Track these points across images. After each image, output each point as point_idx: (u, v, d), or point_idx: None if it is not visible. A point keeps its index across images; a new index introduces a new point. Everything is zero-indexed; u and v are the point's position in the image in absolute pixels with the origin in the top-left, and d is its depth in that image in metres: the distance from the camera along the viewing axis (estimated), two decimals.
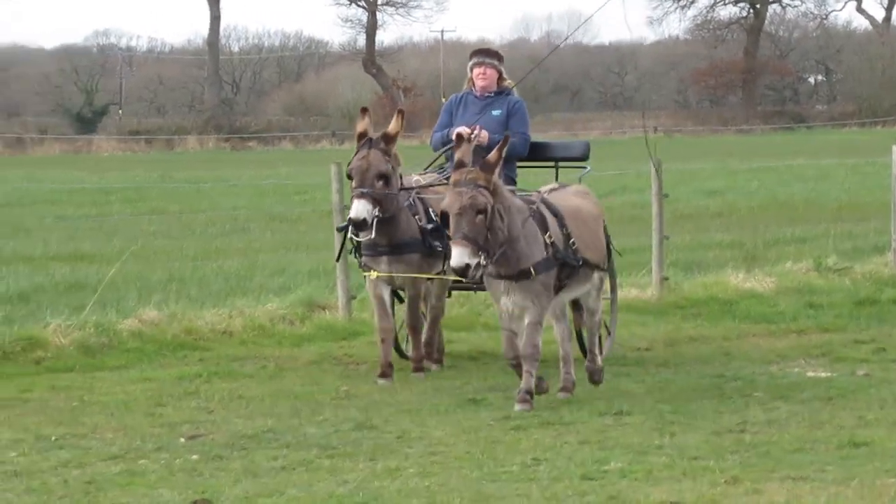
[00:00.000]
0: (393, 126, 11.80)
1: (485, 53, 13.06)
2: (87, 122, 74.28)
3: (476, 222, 9.87)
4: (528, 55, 73.67)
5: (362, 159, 11.59)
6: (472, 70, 12.93)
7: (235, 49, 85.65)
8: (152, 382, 11.87)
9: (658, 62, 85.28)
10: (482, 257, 9.94)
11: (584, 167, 13.26)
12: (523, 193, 11.50)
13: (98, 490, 8.18)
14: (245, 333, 13.64)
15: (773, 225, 23.18)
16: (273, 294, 15.68)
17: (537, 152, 13.20)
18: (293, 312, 14.69)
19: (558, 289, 10.79)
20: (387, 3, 77.55)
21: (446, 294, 12.91)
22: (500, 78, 12.83)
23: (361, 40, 79.16)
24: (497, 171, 10.16)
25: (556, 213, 10.81)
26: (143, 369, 12.55)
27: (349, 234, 12.03)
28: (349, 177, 11.71)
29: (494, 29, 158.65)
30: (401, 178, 12.15)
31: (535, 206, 10.68)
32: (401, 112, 11.97)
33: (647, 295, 15.65)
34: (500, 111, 12.62)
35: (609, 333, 12.90)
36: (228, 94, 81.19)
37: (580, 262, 10.81)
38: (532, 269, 10.34)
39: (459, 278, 11.06)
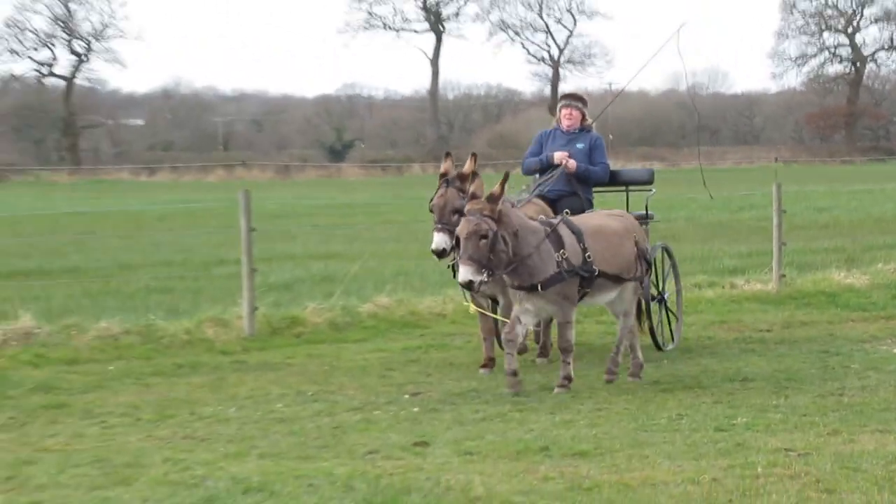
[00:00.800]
0: (467, 167, 10.83)
1: (572, 98, 12.35)
2: (337, 154, 74.71)
3: (479, 246, 9.41)
4: (676, 101, 73.83)
5: (440, 197, 10.78)
6: (560, 110, 12.17)
7: (450, 97, 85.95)
8: (384, 352, 11.90)
9: (779, 107, 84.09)
10: (485, 274, 9.45)
11: (650, 190, 12.45)
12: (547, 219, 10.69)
13: (342, 433, 8.32)
14: (458, 315, 13.63)
15: (869, 235, 22.55)
16: None
17: (617, 177, 12.44)
18: None
19: (582, 295, 10.21)
20: (568, 61, 77.36)
21: None
22: (583, 118, 12.04)
23: (547, 90, 78.83)
24: (500, 202, 9.56)
25: (575, 232, 10.12)
26: (378, 342, 12.54)
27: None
28: (431, 211, 10.86)
29: (650, 80, 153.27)
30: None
31: (550, 229, 10.06)
32: (474, 155, 11.05)
33: (769, 289, 15.42)
34: (583, 145, 11.85)
35: (678, 319, 12.27)
36: (444, 131, 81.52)
37: (596, 273, 10.03)
38: (539, 286, 9.78)
39: None
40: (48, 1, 63.35)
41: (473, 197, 9.72)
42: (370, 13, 70.41)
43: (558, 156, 11.44)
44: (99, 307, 14.39)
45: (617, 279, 10.31)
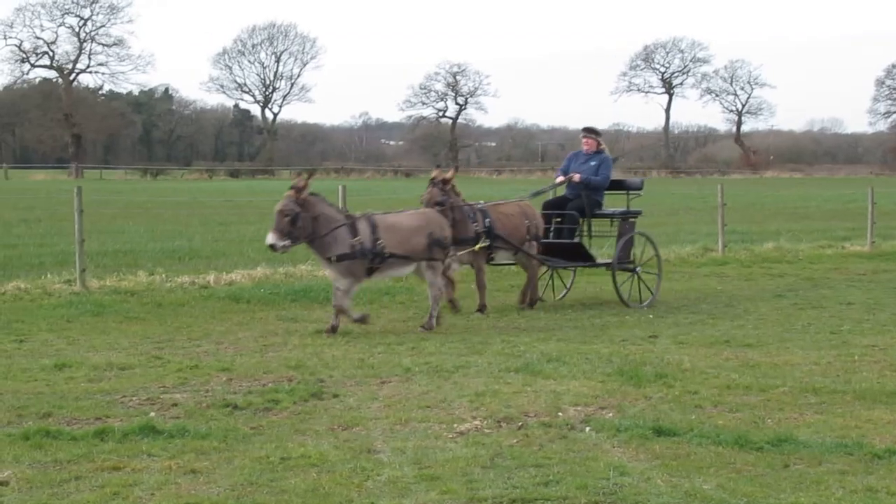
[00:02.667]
0: (449, 175, 13.84)
1: (588, 130, 15.03)
2: None
3: (284, 221, 11.72)
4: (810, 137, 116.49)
5: (427, 194, 13.59)
6: (582, 139, 15.16)
7: (675, 131, 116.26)
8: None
9: (874, 142, 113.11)
10: (287, 241, 11.79)
11: (640, 193, 15.46)
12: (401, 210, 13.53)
13: (606, 328, 12.33)
14: (679, 261, 19.23)
15: None
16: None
17: (618, 185, 15.36)
18: None
19: (371, 271, 12.31)
20: (747, 112, 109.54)
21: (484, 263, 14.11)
22: (598, 144, 14.89)
23: (733, 129, 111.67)
24: (304, 192, 11.76)
25: (371, 225, 12.19)
26: None
27: None
28: (420, 202, 13.70)
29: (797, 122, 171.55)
30: (464, 201, 13.89)
31: (349, 221, 12.17)
32: (456, 167, 14.65)
33: (865, 249, 22.64)
34: (595, 162, 14.66)
35: (653, 292, 14.79)
36: (671, 152, 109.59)
37: (387, 255, 12.20)
38: (334, 258, 11.98)
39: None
40: (443, 73, 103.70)
41: (295, 189, 11.92)
42: (630, 82, 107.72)
43: (563, 178, 14.75)
44: None
45: (409, 259, 12.53)
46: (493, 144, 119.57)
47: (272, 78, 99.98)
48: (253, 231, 23.62)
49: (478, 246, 13.70)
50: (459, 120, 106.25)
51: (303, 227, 11.83)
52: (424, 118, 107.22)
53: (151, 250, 20.89)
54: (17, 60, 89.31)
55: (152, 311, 13.89)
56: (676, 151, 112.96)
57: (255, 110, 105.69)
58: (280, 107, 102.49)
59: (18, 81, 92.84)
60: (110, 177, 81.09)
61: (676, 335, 12.14)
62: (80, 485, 6.63)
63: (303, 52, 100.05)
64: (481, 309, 13.85)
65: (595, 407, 8.61)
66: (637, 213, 15.23)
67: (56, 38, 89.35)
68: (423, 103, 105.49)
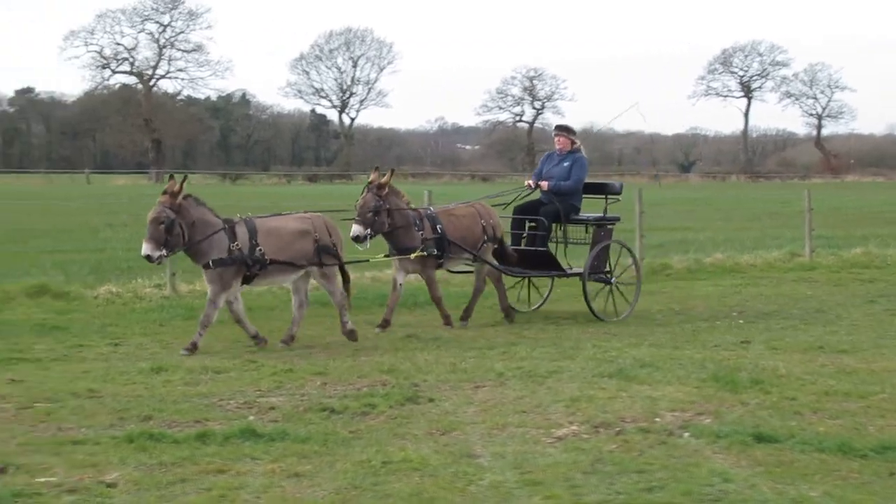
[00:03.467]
0: (385, 179, 12.60)
1: (561, 128, 14.16)
2: (685, 168, 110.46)
3: (158, 229, 10.92)
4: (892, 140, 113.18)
5: (361, 199, 12.54)
6: (554, 137, 14.20)
7: (754, 135, 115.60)
8: (719, 287, 17.07)
9: None
10: (164, 251, 11.01)
11: (619, 199, 14.30)
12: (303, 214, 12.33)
13: (698, 333, 12.38)
14: (765, 265, 19.23)
15: None
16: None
17: (599, 189, 14.26)
18: None
19: (250, 278, 11.56)
20: (827, 115, 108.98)
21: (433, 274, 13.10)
22: (573, 143, 13.86)
23: (814, 132, 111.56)
24: (179, 197, 11.05)
25: (250, 230, 11.44)
26: (714, 281, 18.05)
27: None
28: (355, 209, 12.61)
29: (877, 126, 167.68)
30: (408, 205, 12.89)
31: (227, 225, 11.41)
32: (392, 170, 12.87)
33: None
34: (567, 163, 13.66)
35: (630, 303, 13.99)
36: (750, 156, 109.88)
37: (268, 262, 11.47)
38: (210, 263, 11.24)
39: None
40: (520, 78, 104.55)
41: (169, 194, 11.15)
42: (708, 86, 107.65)
43: (531, 183, 13.83)
44: None
45: (292, 266, 11.77)
46: None
47: (349, 83, 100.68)
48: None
49: (413, 255, 12.75)
50: (536, 124, 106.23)
51: (179, 234, 11.11)
52: (501, 123, 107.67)
53: None
54: (97, 66, 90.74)
55: None
56: (755, 156, 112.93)
57: (332, 115, 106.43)
58: (357, 111, 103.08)
59: (99, 87, 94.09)
60: (189, 182, 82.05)
61: (769, 340, 12.06)
62: (187, 487, 6.73)
63: (379, 57, 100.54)
64: (447, 322, 13.10)
65: (692, 412, 8.57)
66: (615, 220, 14.21)
67: (136, 45, 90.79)
68: (500, 108, 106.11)
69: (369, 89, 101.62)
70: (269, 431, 7.89)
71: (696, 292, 15.28)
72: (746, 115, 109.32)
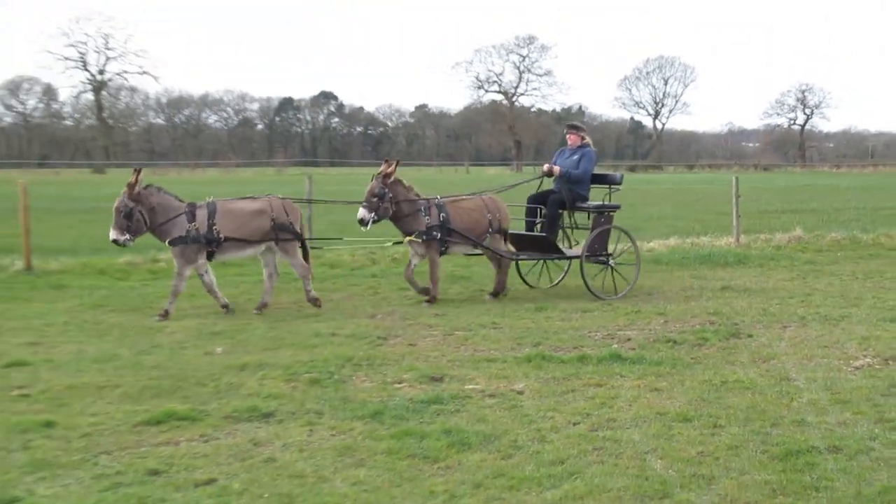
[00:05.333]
0: (390, 169, 11.04)
1: (571, 126, 12.35)
2: None
3: (120, 217, 9.87)
4: None
5: (368, 185, 11.05)
6: (566, 135, 12.26)
7: None
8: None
9: None
10: (127, 235, 9.92)
11: (620, 188, 12.08)
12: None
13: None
14: None
15: None
16: None
17: (601, 179, 12.10)
18: None
19: (211, 254, 10.31)
20: None
21: (438, 257, 11.37)
22: (582, 138, 12.03)
23: None
24: (135, 188, 9.94)
25: (210, 212, 10.26)
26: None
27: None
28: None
29: None
30: (417, 195, 11.32)
31: (189, 209, 10.21)
32: (397, 161, 11.28)
33: None
34: (577, 156, 11.88)
35: (630, 282, 11.85)
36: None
37: (223, 239, 10.26)
38: (169, 243, 10.17)
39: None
40: (794, 91, 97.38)
41: (127, 186, 10.04)
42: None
43: (546, 168, 11.98)
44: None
45: (246, 242, 10.43)
46: (832, 145, 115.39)
47: (661, 97, 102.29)
48: (656, 211, 23.66)
49: (406, 239, 11.27)
50: (807, 126, 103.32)
51: (140, 219, 10.07)
52: (778, 125, 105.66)
53: None
54: (475, 87, 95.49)
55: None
56: None
57: (647, 121, 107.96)
58: (666, 118, 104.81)
59: (475, 102, 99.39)
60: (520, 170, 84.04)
61: None
62: (576, 395, 6.94)
63: (684, 77, 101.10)
64: (425, 293, 11.39)
65: None
66: (615, 208, 12.00)
67: (503, 71, 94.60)
68: (778, 114, 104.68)
69: (676, 101, 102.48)
70: (631, 356, 8.01)
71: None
72: None
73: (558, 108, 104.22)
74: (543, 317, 10.23)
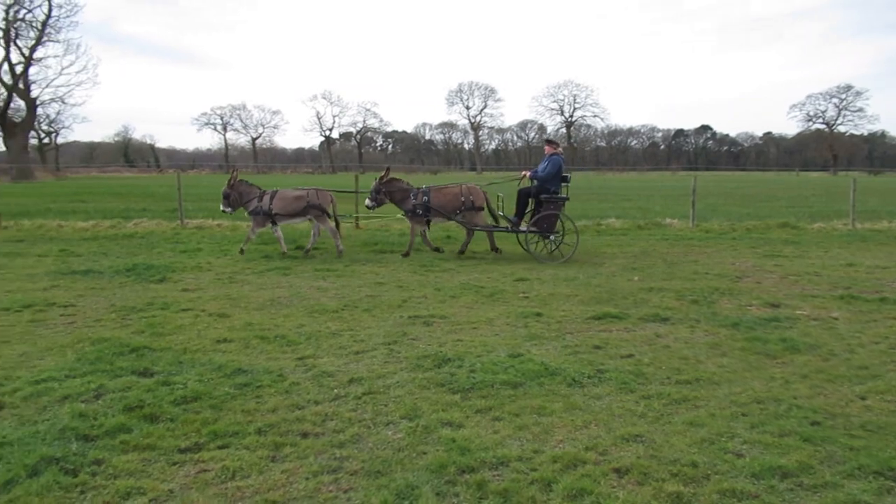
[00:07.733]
0: (384, 176, 13.97)
1: (547, 141, 13.93)
2: None
3: (223, 197, 13.73)
4: None
5: (373, 184, 13.89)
6: (544, 145, 13.97)
7: None
8: None
9: None
10: (228, 208, 13.81)
11: (567, 185, 13.74)
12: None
13: None
14: None
15: None
16: None
17: (565, 178, 13.61)
18: None
19: (274, 222, 14.02)
20: None
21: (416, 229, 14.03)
22: (554, 149, 13.68)
23: None
24: (233, 183, 13.61)
25: (272, 197, 13.78)
26: None
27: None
28: None
29: None
30: (408, 184, 13.99)
31: (260, 194, 13.67)
32: (388, 168, 14.15)
33: None
34: (546, 162, 13.60)
35: (567, 255, 13.51)
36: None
37: (273, 213, 13.72)
38: (248, 212, 13.55)
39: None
40: None
41: (229, 181, 13.61)
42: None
43: (523, 173, 13.78)
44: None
45: (292, 216, 13.90)
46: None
47: None
48: None
49: (399, 214, 14.51)
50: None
51: (233, 201, 13.94)
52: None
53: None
54: (805, 120, 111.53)
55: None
56: None
57: None
58: None
59: (804, 130, 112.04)
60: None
61: None
62: (877, 324, 7.77)
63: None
64: (405, 254, 14.05)
65: None
66: (564, 200, 13.80)
67: (826, 109, 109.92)
68: None
69: None
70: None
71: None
72: None
73: (865, 133, 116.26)
74: (853, 270, 11.56)
